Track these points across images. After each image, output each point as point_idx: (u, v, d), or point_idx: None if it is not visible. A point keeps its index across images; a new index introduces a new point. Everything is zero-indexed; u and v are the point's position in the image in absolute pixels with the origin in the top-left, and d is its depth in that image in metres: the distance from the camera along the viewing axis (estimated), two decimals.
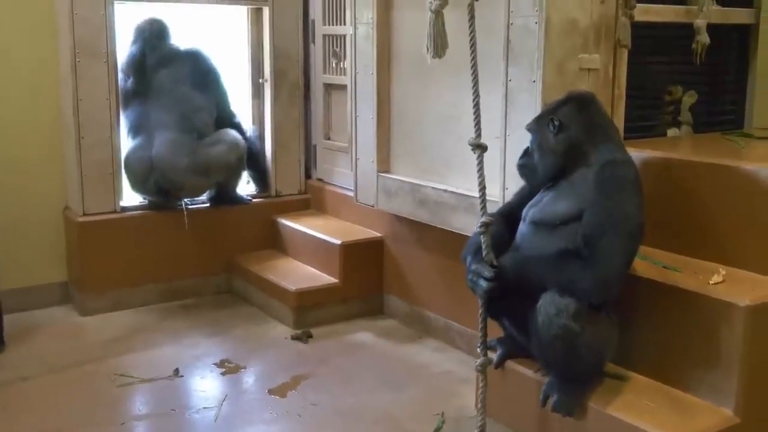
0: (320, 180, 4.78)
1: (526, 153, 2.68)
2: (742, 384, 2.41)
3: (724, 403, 2.43)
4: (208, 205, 4.50)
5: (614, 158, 2.51)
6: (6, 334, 3.73)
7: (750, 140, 3.36)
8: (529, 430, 2.69)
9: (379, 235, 4.21)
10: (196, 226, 4.36)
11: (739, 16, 3.72)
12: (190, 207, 4.38)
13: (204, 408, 3.16)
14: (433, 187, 3.56)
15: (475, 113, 2.51)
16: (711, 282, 2.54)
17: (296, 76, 4.69)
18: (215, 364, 3.58)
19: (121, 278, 4.22)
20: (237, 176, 4.52)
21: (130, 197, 4.36)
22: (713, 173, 2.77)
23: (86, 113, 4.06)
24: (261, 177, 4.75)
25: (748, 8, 3.74)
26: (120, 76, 4.26)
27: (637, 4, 3.10)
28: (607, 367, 2.60)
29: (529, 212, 2.65)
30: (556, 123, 2.57)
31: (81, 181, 4.09)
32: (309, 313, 4.02)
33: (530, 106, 2.94)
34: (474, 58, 2.49)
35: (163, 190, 4.29)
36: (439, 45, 2.66)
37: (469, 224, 3.24)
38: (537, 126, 2.65)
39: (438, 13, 2.64)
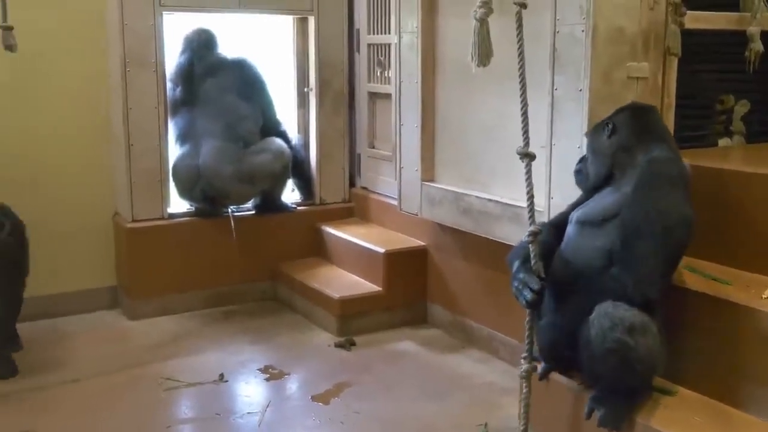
0: (364, 188, 4.79)
1: (582, 159, 2.73)
2: None
3: None
4: (253, 212, 4.54)
5: (656, 155, 2.49)
6: (57, 336, 3.84)
7: None
8: None
9: (422, 243, 4.20)
10: (242, 234, 4.40)
11: None
12: (236, 214, 4.42)
13: (248, 413, 3.19)
14: (477, 196, 3.54)
15: (523, 122, 2.50)
16: (764, 296, 2.48)
17: (341, 85, 4.72)
18: (259, 369, 3.61)
19: (168, 284, 4.28)
20: (282, 184, 4.55)
21: (178, 204, 4.42)
22: (766, 184, 2.71)
23: (135, 122, 4.13)
24: (305, 185, 4.78)
25: None
26: (168, 85, 4.33)
27: (688, 11, 3.05)
28: (655, 381, 2.56)
29: (575, 214, 2.65)
30: (610, 126, 2.62)
31: (130, 188, 4.16)
32: (352, 321, 4.03)
33: (576, 116, 2.92)
34: (522, 66, 2.47)
35: (209, 198, 4.35)
36: (483, 53, 2.65)
37: (513, 234, 3.21)
38: (593, 131, 2.71)
39: (483, 21, 2.63)
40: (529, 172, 2.51)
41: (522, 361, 2.57)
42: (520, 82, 2.48)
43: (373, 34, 4.58)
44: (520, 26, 2.47)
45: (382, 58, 4.54)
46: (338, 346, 3.88)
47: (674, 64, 3.10)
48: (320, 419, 3.14)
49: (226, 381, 3.47)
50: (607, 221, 2.51)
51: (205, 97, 4.36)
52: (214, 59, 4.42)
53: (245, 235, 4.42)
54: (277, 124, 4.57)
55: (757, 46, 3.39)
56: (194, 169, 4.28)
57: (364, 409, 3.21)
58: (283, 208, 4.61)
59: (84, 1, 4.18)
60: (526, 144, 2.51)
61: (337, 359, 3.76)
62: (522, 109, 2.49)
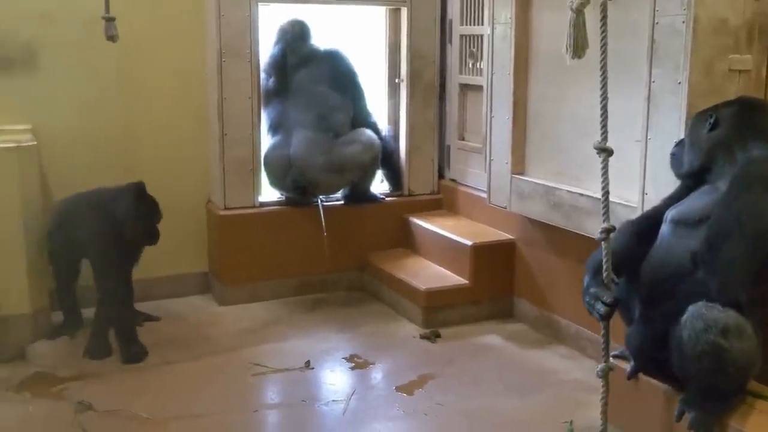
0: (453, 180, 4.77)
1: (680, 143, 2.66)
2: None
3: None
4: (342, 202, 4.58)
5: (756, 155, 2.39)
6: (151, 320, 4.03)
7: None
8: None
9: (510, 237, 4.16)
10: (331, 223, 4.44)
11: None
12: (325, 204, 4.47)
13: (333, 401, 3.23)
14: (568, 191, 3.48)
15: (602, 116, 2.43)
16: None
17: (432, 77, 4.71)
18: (345, 358, 3.65)
19: (258, 271, 4.36)
20: (371, 175, 4.58)
21: (269, 193, 4.51)
22: None
23: (229, 112, 4.23)
24: (394, 176, 4.79)
25: None
26: (262, 75, 4.41)
27: None
28: (749, 385, 2.46)
29: (670, 212, 2.57)
30: (712, 120, 2.54)
31: (223, 176, 4.27)
32: (438, 313, 4.02)
33: (675, 109, 2.84)
34: (604, 59, 2.41)
35: (299, 188, 4.41)
36: (579, 45, 2.58)
37: None
38: (695, 119, 2.63)
39: (579, 12, 2.56)
40: (605, 168, 2.45)
41: (602, 356, 2.52)
42: (602, 75, 2.41)
43: (466, 25, 4.54)
44: (604, 17, 2.41)
45: (474, 50, 4.51)
46: (423, 337, 3.89)
47: None
48: (404, 410, 3.16)
49: (312, 368, 3.53)
50: (703, 222, 2.41)
51: (297, 87, 4.43)
52: (307, 50, 4.47)
53: (334, 225, 4.46)
54: (367, 115, 4.60)
55: None
56: (285, 159, 4.35)
57: (447, 402, 3.21)
58: (371, 198, 4.64)
59: None
60: (604, 139, 2.44)
61: (421, 351, 3.77)
62: (602, 102, 2.42)
